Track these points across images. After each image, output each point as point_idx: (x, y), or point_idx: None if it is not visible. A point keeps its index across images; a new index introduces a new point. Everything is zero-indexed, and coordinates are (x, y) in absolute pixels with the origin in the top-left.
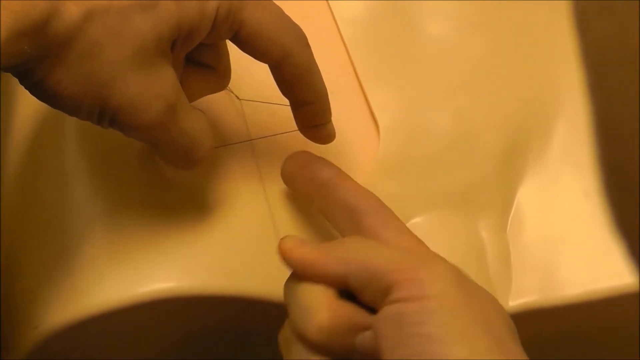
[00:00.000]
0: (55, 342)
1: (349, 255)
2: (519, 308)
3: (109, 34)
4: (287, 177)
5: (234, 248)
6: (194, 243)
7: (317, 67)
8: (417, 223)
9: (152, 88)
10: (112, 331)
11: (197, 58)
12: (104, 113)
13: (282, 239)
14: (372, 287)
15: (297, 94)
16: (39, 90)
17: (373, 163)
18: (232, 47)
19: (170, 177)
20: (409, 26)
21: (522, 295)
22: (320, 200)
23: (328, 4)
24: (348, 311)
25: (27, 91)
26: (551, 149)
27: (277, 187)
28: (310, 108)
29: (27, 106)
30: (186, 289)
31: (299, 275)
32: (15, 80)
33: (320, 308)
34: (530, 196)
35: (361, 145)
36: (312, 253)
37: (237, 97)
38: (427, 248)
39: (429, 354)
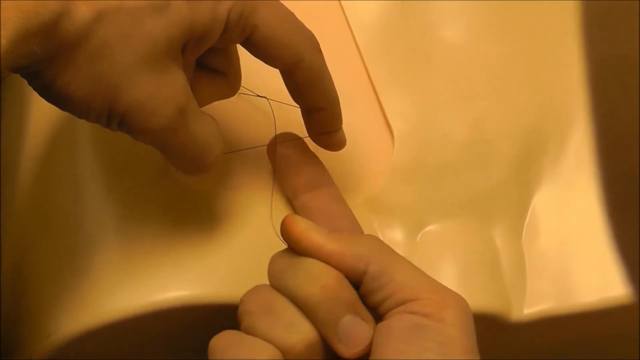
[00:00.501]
0: (67, 351)
1: (370, 255)
2: (534, 315)
3: (120, 35)
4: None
5: (248, 257)
6: (208, 252)
7: (329, 73)
8: (431, 231)
9: (162, 91)
10: (124, 340)
11: (207, 63)
12: (112, 115)
13: (289, 216)
14: (386, 292)
15: (308, 100)
16: (48, 92)
17: (387, 169)
18: (241, 52)
19: (184, 184)
20: (423, 31)
21: (537, 302)
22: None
23: (342, 9)
24: (351, 291)
25: (41, 99)
26: (567, 155)
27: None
28: (321, 114)
29: (41, 112)
30: (199, 297)
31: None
32: (30, 88)
33: (331, 275)
34: (545, 203)
35: (375, 151)
36: (330, 243)
37: (266, 98)
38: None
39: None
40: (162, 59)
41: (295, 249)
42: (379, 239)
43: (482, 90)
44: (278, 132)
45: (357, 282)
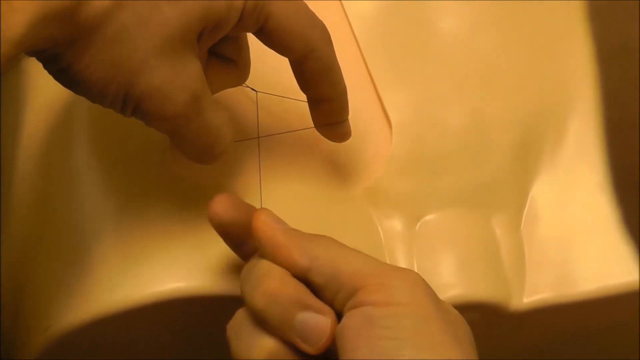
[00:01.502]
0: (66, 344)
1: (317, 250)
2: (534, 305)
3: (138, 21)
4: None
5: None
6: (205, 243)
7: (338, 64)
8: (430, 221)
9: (178, 78)
10: (122, 332)
11: (219, 51)
12: (128, 101)
13: (259, 209)
14: (335, 286)
15: (317, 91)
16: (65, 75)
17: (385, 161)
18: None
19: (180, 177)
20: (421, 23)
21: (536, 292)
22: None
23: (341, 2)
24: (296, 288)
25: (37, 91)
26: (565, 145)
27: (284, 185)
28: (329, 105)
29: (38, 106)
30: (196, 289)
31: (261, 253)
32: (26, 80)
33: (271, 277)
34: (544, 192)
35: (374, 143)
36: (281, 236)
37: (253, 90)
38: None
39: (399, 357)
40: (179, 46)
41: (256, 242)
42: (333, 239)
43: (480, 81)
44: (266, 127)
45: (304, 278)
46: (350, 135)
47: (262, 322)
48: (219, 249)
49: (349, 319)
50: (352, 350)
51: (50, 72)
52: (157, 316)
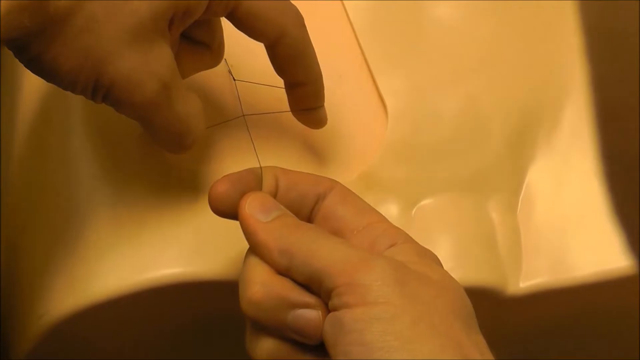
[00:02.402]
0: (60, 331)
1: (295, 247)
2: (530, 289)
3: (108, 11)
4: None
5: (239, 233)
6: (200, 228)
7: (313, 49)
8: (426, 205)
9: (147, 66)
10: (117, 318)
11: (192, 35)
12: (98, 88)
13: (246, 195)
14: (314, 285)
15: (291, 75)
16: (35, 64)
17: (381, 147)
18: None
19: (175, 162)
20: (417, 10)
21: (532, 276)
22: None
23: None
24: (282, 287)
25: (33, 76)
26: (561, 131)
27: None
28: (303, 90)
29: (32, 90)
30: (192, 274)
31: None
32: (20, 65)
33: (254, 281)
34: (540, 178)
35: (369, 129)
36: (262, 233)
37: (234, 78)
38: (387, 223)
39: None
40: (148, 34)
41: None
42: (316, 229)
43: (476, 66)
44: (248, 110)
45: (292, 277)
46: (325, 122)
47: (259, 325)
48: (215, 234)
49: (326, 325)
50: (334, 359)
51: (21, 61)
52: (152, 302)
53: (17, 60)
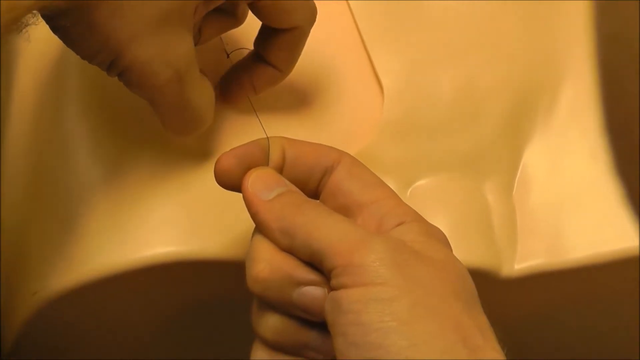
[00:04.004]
0: (54, 309)
1: (296, 226)
2: (525, 271)
3: (137, 1)
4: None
5: (233, 213)
6: (194, 207)
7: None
8: (421, 186)
9: (165, 56)
10: (111, 297)
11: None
12: (114, 67)
13: (250, 172)
14: (316, 264)
15: (273, 55)
16: (59, 33)
17: (377, 127)
18: None
19: (170, 141)
20: None
21: (528, 258)
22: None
23: None
24: (287, 265)
25: (28, 57)
26: (558, 112)
27: None
28: (270, 68)
29: (28, 72)
30: (186, 253)
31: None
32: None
33: (258, 259)
34: (536, 159)
35: (365, 109)
36: (264, 212)
37: (227, 55)
38: (396, 200)
39: (367, 344)
40: (172, 24)
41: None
42: (317, 205)
43: (473, 47)
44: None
45: (290, 252)
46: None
47: (264, 302)
48: (210, 214)
49: (326, 304)
50: (333, 338)
51: (48, 24)
52: (147, 281)
53: (12, 38)
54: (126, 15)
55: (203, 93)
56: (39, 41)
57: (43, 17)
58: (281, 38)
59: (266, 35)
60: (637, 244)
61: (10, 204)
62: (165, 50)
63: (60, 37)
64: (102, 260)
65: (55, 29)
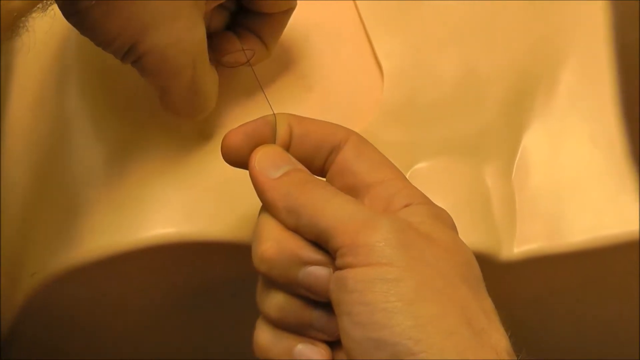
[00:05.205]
0: (52, 290)
1: (302, 206)
2: (524, 255)
3: None
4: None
5: (233, 195)
6: (194, 189)
7: None
8: (421, 169)
9: (182, 43)
10: (110, 278)
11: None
12: (130, 53)
13: (256, 150)
14: (322, 243)
15: (257, 28)
16: (78, 17)
17: (377, 109)
18: None
19: (169, 123)
20: None
21: (527, 242)
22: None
23: None
24: (294, 244)
25: (28, 40)
26: (558, 96)
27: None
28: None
29: (29, 54)
30: (186, 234)
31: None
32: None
33: (266, 238)
34: (536, 143)
35: (365, 92)
36: (270, 191)
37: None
38: (403, 181)
39: (372, 323)
40: (190, 11)
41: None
42: (323, 184)
43: (474, 31)
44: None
45: (296, 231)
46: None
47: (270, 280)
48: (210, 196)
49: (331, 283)
50: (338, 318)
51: (64, 11)
52: (147, 262)
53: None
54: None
55: (212, 79)
56: (40, 31)
57: (62, 2)
58: (278, 18)
59: (256, 16)
60: (638, 227)
61: (10, 186)
62: (184, 37)
63: (76, 23)
64: (101, 241)
65: (73, 13)
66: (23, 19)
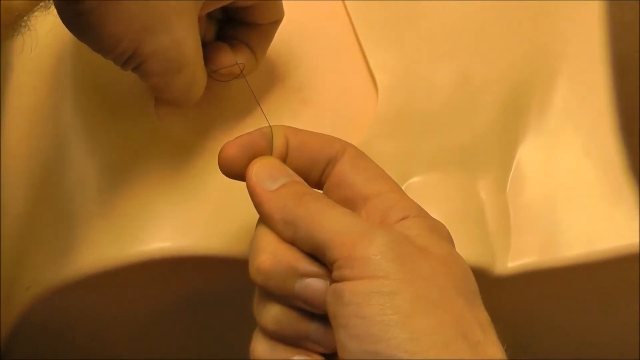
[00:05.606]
0: (47, 304)
1: (298, 218)
2: (519, 269)
3: None
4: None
5: (229, 208)
6: (190, 202)
7: None
8: (415, 183)
9: (184, 43)
10: (106, 292)
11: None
12: (133, 58)
13: (253, 162)
14: (319, 256)
15: (245, 35)
16: (81, 19)
17: (371, 122)
18: None
19: (164, 136)
20: None
21: (521, 255)
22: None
23: None
24: (290, 256)
25: (24, 51)
26: (552, 108)
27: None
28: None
29: (25, 67)
30: (180, 249)
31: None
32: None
33: (262, 250)
34: (530, 155)
35: (360, 104)
36: (267, 203)
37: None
38: (400, 193)
39: (369, 336)
40: (190, 11)
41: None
42: (319, 197)
43: (467, 43)
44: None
45: (293, 243)
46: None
47: (266, 292)
48: (205, 210)
49: (328, 296)
50: (335, 330)
51: (64, 15)
52: (142, 276)
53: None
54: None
55: (203, 74)
56: (35, 41)
57: (63, 4)
58: (266, 29)
59: (244, 27)
60: (632, 241)
61: (5, 200)
62: (185, 37)
63: (77, 27)
64: (96, 255)
65: (74, 16)
66: (25, 17)
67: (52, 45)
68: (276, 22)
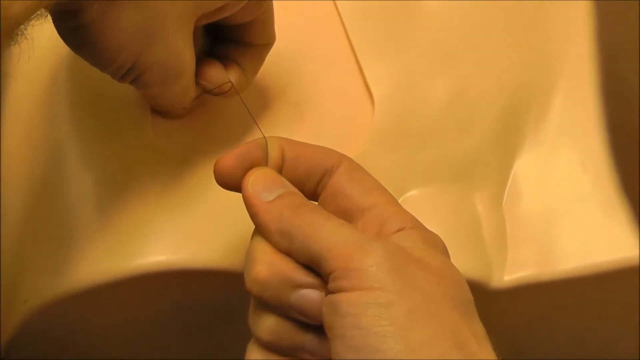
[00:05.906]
0: (44, 317)
1: (294, 229)
2: (515, 282)
3: None
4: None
5: (224, 222)
6: (185, 216)
7: None
8: (412, 196)
9: (182, 54)
10: (103, 305)
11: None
12: (132, 70)
13: (249, 172)
14: (314, 267)
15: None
16: (80, 33)
17: (367, 135)
18: None
19: (161, 150)
20: None
21: (518, 269)
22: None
23: None
24: (286, 267)
25: (20, 64)
26: (549, 122)
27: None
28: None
29: (21, 77)
30: (177, 262)
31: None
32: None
33: (257, 261)
34: (527, 169)
35: (356, 118)
36: (263, 214)
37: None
38: (396, 205)
39: (365, 347)
40: (188, 22)
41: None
42: (316, 208)
43: (464, 56)
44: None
45: (288, 254)
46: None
47: (262, 303)
48: (202, 223)
49: (324, 307)
50: (330, 341)
51: (62, 29)
52: (138, 290)
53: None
54: (149, 10)
55: (194, 84)
56: (31, 50)
57: (60, 15)
58: (258, 50)
59: (237, 46)
60: (637, 253)
61: (3, 213)
62: (183, 48)
63: (74, 43)
64: (93, 268)
65: (75, 29)
66: (22, 26)
67: (49, 57)
68: (267, 45)
